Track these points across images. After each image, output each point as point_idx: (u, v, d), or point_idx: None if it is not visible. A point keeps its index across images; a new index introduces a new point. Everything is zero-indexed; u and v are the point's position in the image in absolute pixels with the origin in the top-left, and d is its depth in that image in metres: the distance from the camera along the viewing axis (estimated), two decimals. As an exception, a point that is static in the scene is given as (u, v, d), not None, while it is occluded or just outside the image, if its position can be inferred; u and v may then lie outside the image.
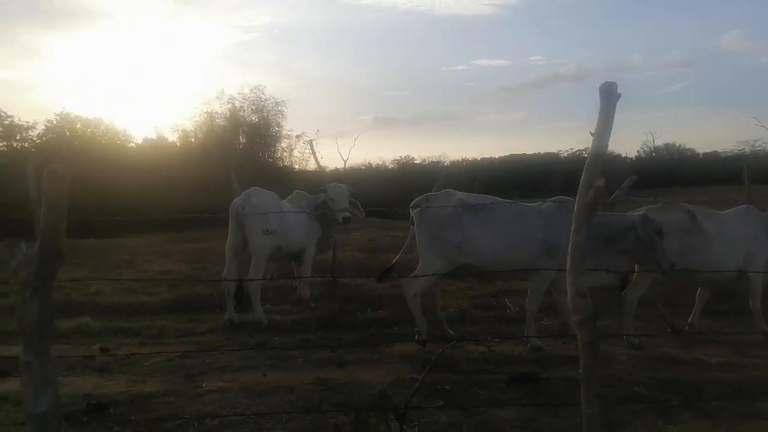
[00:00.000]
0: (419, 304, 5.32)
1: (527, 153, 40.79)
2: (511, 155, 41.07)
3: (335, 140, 35.21)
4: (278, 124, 28.75)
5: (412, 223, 5.51)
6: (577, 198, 3.00)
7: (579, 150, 39.49)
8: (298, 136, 29.05)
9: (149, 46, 52.36)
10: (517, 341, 5.40)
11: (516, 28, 64.17)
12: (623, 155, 38.49)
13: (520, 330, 5.95)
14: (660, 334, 5.76)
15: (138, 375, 4.53)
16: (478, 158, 41.51)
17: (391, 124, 55.15)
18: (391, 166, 38.87)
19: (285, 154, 29.97)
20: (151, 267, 8.76)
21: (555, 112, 62.50)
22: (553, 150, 40.52)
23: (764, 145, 29.15)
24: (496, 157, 40.71)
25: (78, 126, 21.34)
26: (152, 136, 25.14)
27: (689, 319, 6.12)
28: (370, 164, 38.26)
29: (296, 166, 29.97)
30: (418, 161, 39.72)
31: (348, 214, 6.78)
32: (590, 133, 3.02)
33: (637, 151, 37.90)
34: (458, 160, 42.54)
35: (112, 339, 5.50)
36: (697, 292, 6.25)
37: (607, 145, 3.20)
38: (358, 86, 59.97)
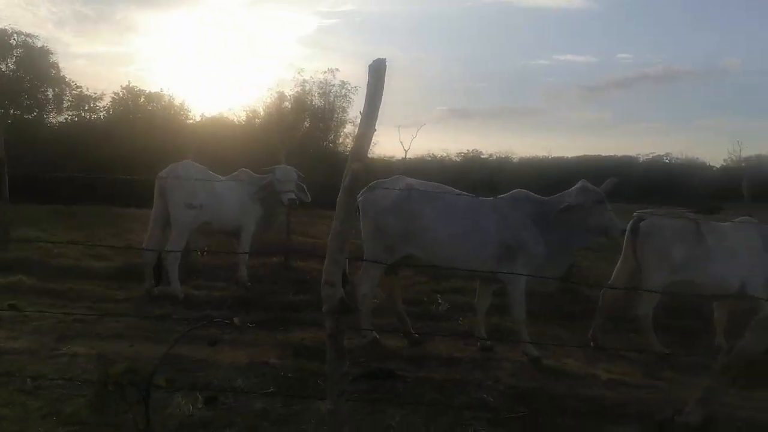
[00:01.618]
0: (369, 302, 5.16)
1: (602, 154, 38.58)
2: (585, 155, 39.03)
3: (401, 129, 34.95)
4: (343, 110, 29.05)
5: (358, 212, 5.35)
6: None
7: (659, 154, 37.01)
8: None
9: (232, 30, 54.46)
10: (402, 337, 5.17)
11: (604, 22, 60.78)
12: (707, 163, 35.71)
13: (431, 328, 5.72)
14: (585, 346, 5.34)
15: (18, 332, 4.77)
16: (549, 156, 39.82)
17: (465, 116, 54.20)
18: (456, 158, 38.26)
19: (348, 140, 30.35)
20: (133, 236, 9.14)
21: (638, 113, 58.66)
22: (632, 153, 38.12)
23: None
24: (569, 156, 38.87)
25: (142, 100, 22.63)
26: (215, 114, 26.08)
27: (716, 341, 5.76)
28: (434, 155, 37.74)
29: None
30: (485, 155, 38.84)
31: (293, 196, 6.74)
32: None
33: (724, 160, 34.93)
34: (528, 157, 41.10)
35: (31, 298, 5.81)
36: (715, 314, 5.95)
37: (374, 128, 2.98)
38: (436, 76, 59.33)
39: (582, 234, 5.20)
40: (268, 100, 28.06)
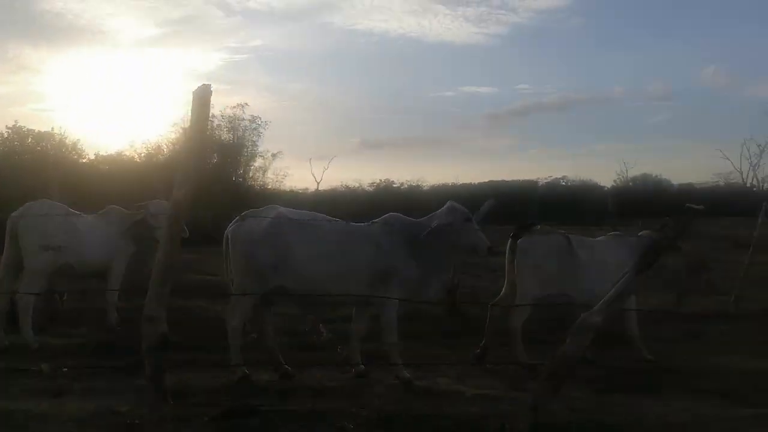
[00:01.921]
0: (239, 336, 4.97)
1: (507, 179, 40.35)
2: (490, 181, 40.64)
3: (311, 162, 34.88)
4: (254, 144, 28.58)
5: (226, 244, 5.18)
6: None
7: (557, 177, 39.20)
8: (274, 155, 28.92)
9: (136, 67, 52.83)
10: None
11: (504, 56, 65.08)
12: (599, 183, 38.19)
13: (310, 358, 5.63)
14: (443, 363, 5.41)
15: None
16: (458, 183, 41.08)
17: (377, 147, 55.42)
18: (369, 188, 38.62)
19: (258, 174, 29.89)
20: None
21: (537, 140, 63.01)
22: (533, 177, 40.20)
23: (735, 178, 28.89)
24: (476, 182, 40.34)
25: (29, 140, 21.25)
26: (112, 152, 24.90)
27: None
28: (347, 186, 37.95)
29: (269, 186, 29.82)
30: (396, 184, 39.48)
31: None
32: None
33: (614, 181, 37.55)
34: (438, 184, 42.18)
35: None
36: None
37: (203, 155, 2.93)
38: (347, 109, 60.49)
39: (453, 253, 5.34)
40: (173, 136, 27.22)
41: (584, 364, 5.73)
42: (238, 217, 5.07)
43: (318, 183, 33.78)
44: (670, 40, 56.56)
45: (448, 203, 5.36)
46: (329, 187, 37.38)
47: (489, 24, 64.77)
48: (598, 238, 6.56)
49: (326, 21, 62.31)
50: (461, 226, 5.15)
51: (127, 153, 25.92)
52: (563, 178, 38.69)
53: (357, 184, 38.21)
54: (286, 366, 5.09)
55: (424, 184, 39.91)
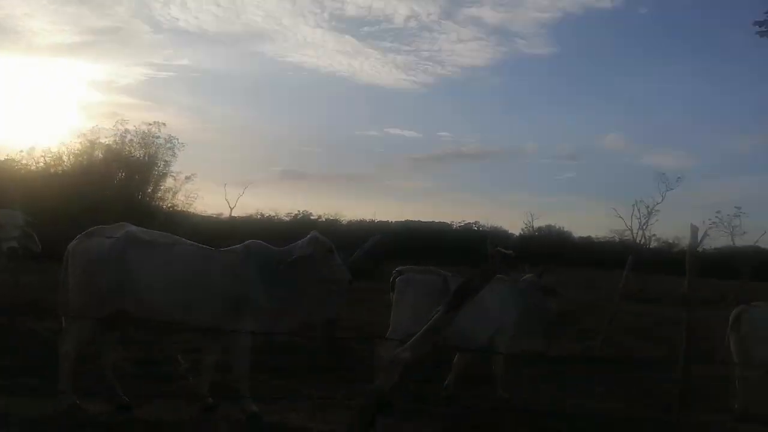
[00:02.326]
0: (71, 362, 4.53)
1: (422, 220, 41.32)
2: (407, 220, 41.43)
3: (225, 187, 33.88)
4: (166, 164, 27.44)
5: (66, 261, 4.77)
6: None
7: (470, 222, 40.53)
8: (187, 177, 27.87)
9: (50, 71, 49.89)
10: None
11: (429, 104, 68.09)
12: (508, 231, 39.87)
13: (157, 389, 5.29)
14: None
15: None
16: (375, 220, 41.47)
17: (299, 178, 55.27)
18: (285, 218, 38.11)
19: (167, 194, 28.70)
20: None
21: (454, 185, 65.95)
22: (447, 220, 41.40)
23: (628, 235, 31.40)
24: (392, 220, 40.92)
25: None
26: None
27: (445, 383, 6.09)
28: (262, 214, 37.30)
29: (178, 208, 28.66)
30: (314, 217, 39.25)
31: (15, 244, 5.92)
32: None
33: (522, 229, 39.29)
34: (356, 220, 42.40)
35: None
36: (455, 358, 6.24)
37: None
38: (271, 139, 60.03)
39: (313, 284, 5.18)
40: (77, 147, 25.71)
41: (445, 401, 5.88)
42: (82, 234, 4.73)
43: (231, 209, 32.85)
44: (577, 107, 61.62)
45: (311, 233, 5.20)
46: (245, 214, 36.51)
47: (417, 72, 67.27)
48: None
49: (257, 50, 62.07)
50: (322, 257, 5.01)
51: (24, 160, 24.21)
52: (476, 223, 40.16)
53: (273, 213, 37.63)
54: (124, 397, 4.72)
55: (342, 219, 39.99)
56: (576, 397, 6.26)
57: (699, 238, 4.20)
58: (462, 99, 68.89)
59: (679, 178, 27.94)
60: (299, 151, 60.70)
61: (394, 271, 6.18)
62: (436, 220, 42.54)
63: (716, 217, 24.08)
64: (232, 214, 33.75)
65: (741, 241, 22.86)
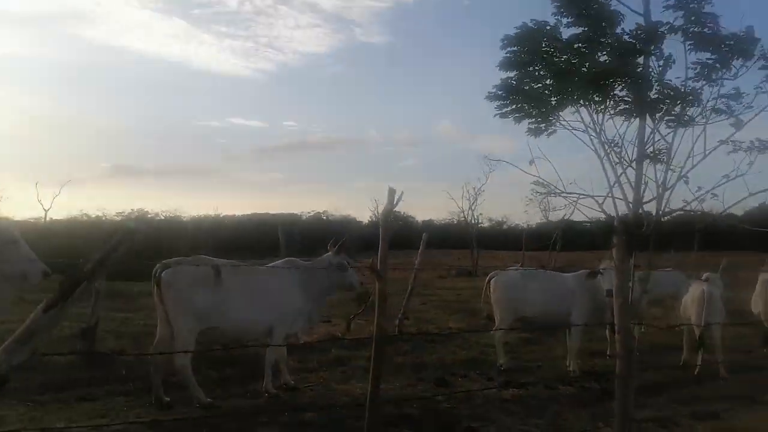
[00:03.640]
0: None
1: (271, 212, 40.22)
2: (254, 213, 40.09)
3: (37, 186, 29.98)
4: None
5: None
6: None
7: (319, 212, 40.19)
8: None
9: None
10: None
11: (272, 93, 66.99)
12: (357, 219, 40.29)
13: None
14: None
15: None
16: (221, 215, 39.61)
17: (133, 174, 50.85)
18: (116, 217, 34.79)
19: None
20: None
21: (302, 175, 65.84)
22: (296, 211, 40.75)
23: (454, 217, 33.39)
24: (238, 214, 39.36)
25: None
26: None
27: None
28: (88, 215, 33.74)
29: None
30: (151, 214, 36.35)
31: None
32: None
33: (369, 217, 39.97)
34: (199, 216, 40.14)
35: None
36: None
37: None
38: (96, 131, 54.56)
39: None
40: None
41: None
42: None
43: (46, 211, 29.26)
44: (414, 95, 64.43)
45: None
46: (68, 216, 32.88)
47: (257, 59, 65.29)
48: (261, 267, 6.30)
49: (75, 32, 56.04)
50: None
51: None
52: (324, 212, 39.92)
53: (101, 213, 34.29)
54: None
55: (183, 215, 37.64)
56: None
57: (395, 201, 4.19)
58: (305, 87, 68.39)
59: (499, 160, 30.00)
60: (131, 145, 56.00)
61: (157, 266, 5.50)
62: (285, 212, 41.77)
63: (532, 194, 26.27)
64: (48, 217, 30.10)
65: (555, 217, 24.95)
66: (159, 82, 60.49)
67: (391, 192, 4.34)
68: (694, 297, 7.49)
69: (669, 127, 4.11)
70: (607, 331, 8.40)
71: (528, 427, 5.31)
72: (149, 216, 35.82)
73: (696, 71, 3.89)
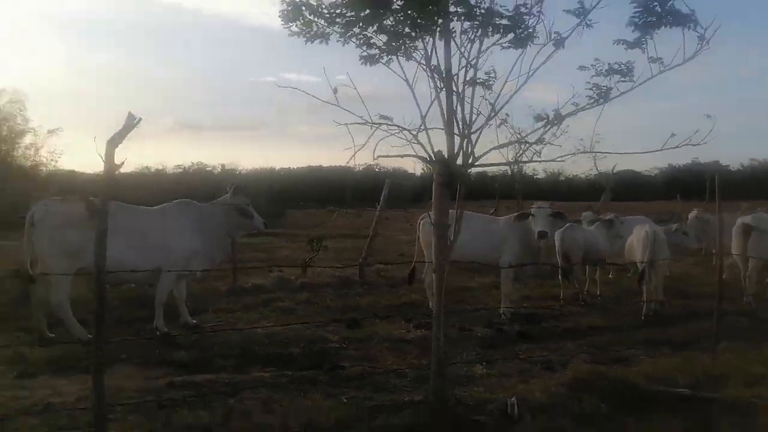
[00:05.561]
0: None
1: (323, 165, 40.79)
2: (309, 167, 40.81)
3: (96, 140, 31.62)
4: (25, 119, 25.33)
5: None
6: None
7: (371, 164, 40.09)
8: (50, 131, 25.84)
9: None
10: None
11: (323, 48, 66.40)
12: (410, 171, 39.89)
13: None
14: None
15: None
16: (276, 168, 40.54)
17: (192, 129, 52.88)
18: (176, 171, 36.46)
19: (29, 151, 26.62)
20: None
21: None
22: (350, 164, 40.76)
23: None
24: (294, 167, 40.16)
25: None
26: None
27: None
28: (148, 168, 35.47)
29: (44, 167, 26.76)
30: (209, 168, 37.85)
31: None
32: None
33: (422, 169, 39.32)
34: (255, 169, 41.32)
35: None
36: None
37: None
38: (159, 88, 56.68)
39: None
40: None
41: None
42: None
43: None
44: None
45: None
46: (135, 170, 34.72)
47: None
48: (147, 208, 6.30)
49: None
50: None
51: None
52: (377, 165, 39.77)
53: (161, 167, 36.02)
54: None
55: (239, 168, 38.79)
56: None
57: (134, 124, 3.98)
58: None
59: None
60: (192, 101, 57.61)
61: (31, 204, 5.64)
62: (338, 165, 42.09)
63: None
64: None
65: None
66: (214, 39, 61.64)
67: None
68: (639, 237, 6.87)
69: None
70: (560, 276, 7.91)
71: (402, 367, 5.10)
72: (207, 169, 37.34)
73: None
